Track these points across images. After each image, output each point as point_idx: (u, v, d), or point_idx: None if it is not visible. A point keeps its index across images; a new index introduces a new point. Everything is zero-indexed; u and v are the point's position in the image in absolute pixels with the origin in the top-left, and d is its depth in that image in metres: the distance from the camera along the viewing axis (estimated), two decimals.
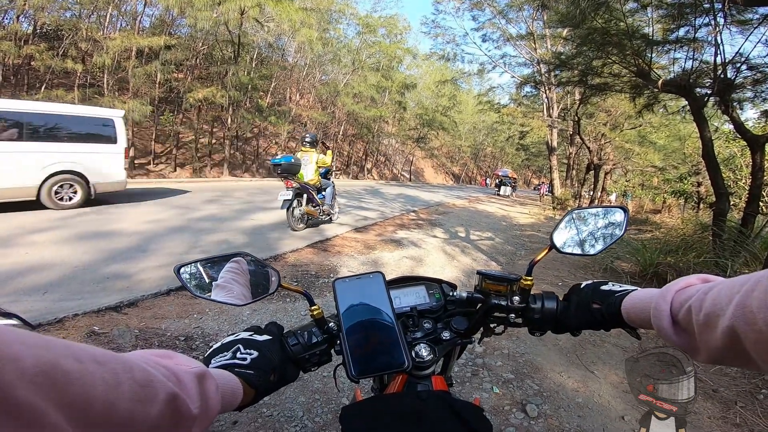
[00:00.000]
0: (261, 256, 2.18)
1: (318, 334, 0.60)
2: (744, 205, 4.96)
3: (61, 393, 0.22)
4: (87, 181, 6.13)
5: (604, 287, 0.58)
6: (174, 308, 2.82)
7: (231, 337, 0.54)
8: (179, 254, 4.01)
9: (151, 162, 16.14)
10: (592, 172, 14.56)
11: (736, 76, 4.59)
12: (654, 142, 13.92)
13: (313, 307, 0.60)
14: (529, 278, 0.62)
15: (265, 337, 0.55)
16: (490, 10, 14.07)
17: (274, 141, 21.46)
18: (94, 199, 6.29)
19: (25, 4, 12.03)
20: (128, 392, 0.26)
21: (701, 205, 12.31)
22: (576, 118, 12.35)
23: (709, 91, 4.76)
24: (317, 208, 5.91)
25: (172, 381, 0.32)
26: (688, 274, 0.45)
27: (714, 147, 4.95)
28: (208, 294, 0.60)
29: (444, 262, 4.90)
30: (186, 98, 14.86)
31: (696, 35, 4.70)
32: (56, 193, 5.83)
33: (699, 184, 12.63)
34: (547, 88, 13.18)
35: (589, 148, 13.60)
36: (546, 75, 12.45)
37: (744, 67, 4.63)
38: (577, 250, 0.65)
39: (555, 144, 14.59)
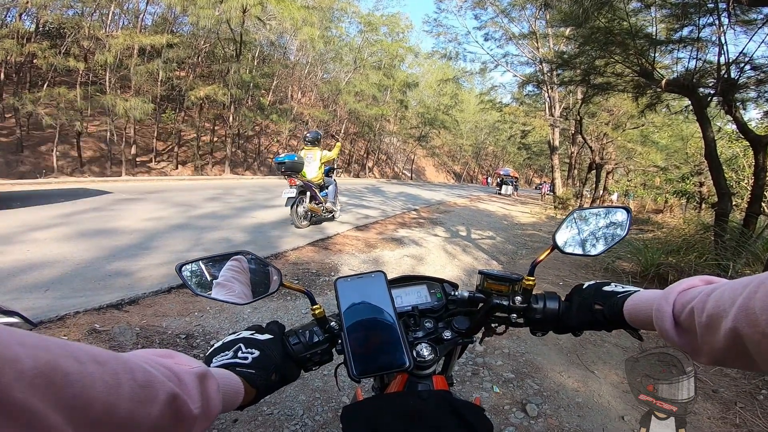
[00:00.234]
0: (262, 254, 2.17)
1: (319, 333, 0.60)
2: (746, 206, 4.94)
3: (61, 394, 0.22)
4: None
5: (606, 288, 0.58)
6: (175, 306, 2.82)
7: (232, 336, 0.54)
8: (181, 252, 4.02)
9: (153, 160, 16.17)
10: (594, 171, 14.53)
11: (740, 76, 4.57)
12: (656, 142, 13.88)
13: (314, 306, 0.60)
14: (532, 278, 0.62)
15: (267, 336, 0.55)
16: (492, 8, 14.02)
17: (275, 139, 21.48)
18: None
19: (27, 2, 12.04)
20: (129, 393, 0.26)
21: (703, 206, 12.28)
22: (578, 118, 12.32)
23: (712, 91, 4.74)
24: (320, 205, 5.93)
25: (173, 381, 0.32)
26: (689, 275, 0.45)
27: (717, 147, 4.93)
28: (209, 292, 0.60)
29: (445, 261, 4.89)
30: (188, 96, 14.87)
31: (700, 35, 4.68)
32: None
33: (701, 184, 12.60)
34: (549, 87, 13.14)
35: (591, 147, 13.56)
36: (548, 74, 12.42)
37: (748, 67, 4.60)
38: (580, 251, 0.65)
39: (557, 143, 14.56)
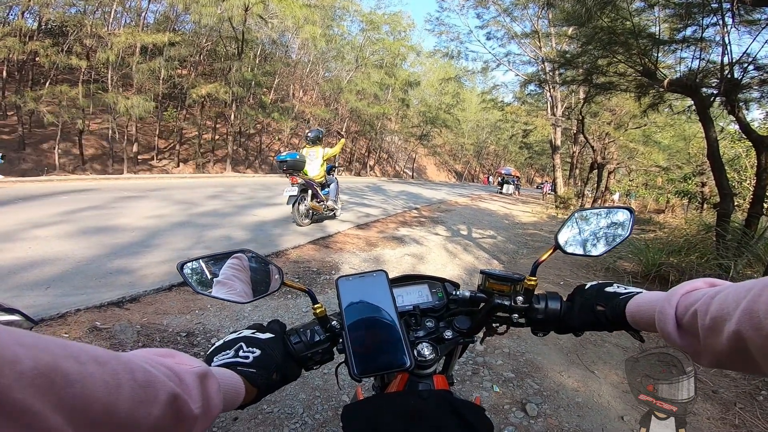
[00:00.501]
0: (263, 252, 2.17)
1: (320, 332, 0.60)
2: (748, 206, 4.93)
3: (61, 395, 0.22)
4: None
5: (608, 289, 0.57)
6: (176, 304, 2.83)
7: (233, 335, 0.54)
8: (182, 250, 4.03)
9: (155, 157, 16.20)
10: (596, 171, 14.50)
11: (743, 76, 4.55)
12: (658, 142, 13.83)
13: (315, 305, 0.60)
14: (533, 278, 0.61)
15: (268, 335, 0.55)
16: (494, 7, 13.98)
17: (276, 137, 21.49)
18: None
19: (30, 1, 12.05)
20: (129, 393, 0.26)
21: (705, 206, 12.27)
22: (580, 117, 12.29)
23: (715, 91, 4.72)
24: (322, 203, 5.94)
25: (174, 381, 0.31)
26: (690, 275, 0.45)
27: (719, 147, 4.91)
28: (210, 291, 0.60)
29: (446, 260, 4.89)
30: (189, 94, 14.88)
31: (703, 35, 4.66)
32: None
33: (703, 185, 12.58)
34: (551, 86, 13.11)
35: (592, 147, 13.53)
36: (550, 73, 12.38)
37: (751, 67, 4.59)
38: (582, 251, 0.64)
39: (558, 143, 14.52)
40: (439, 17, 17.69)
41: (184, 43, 15.17)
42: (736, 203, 5.80)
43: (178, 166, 16.26)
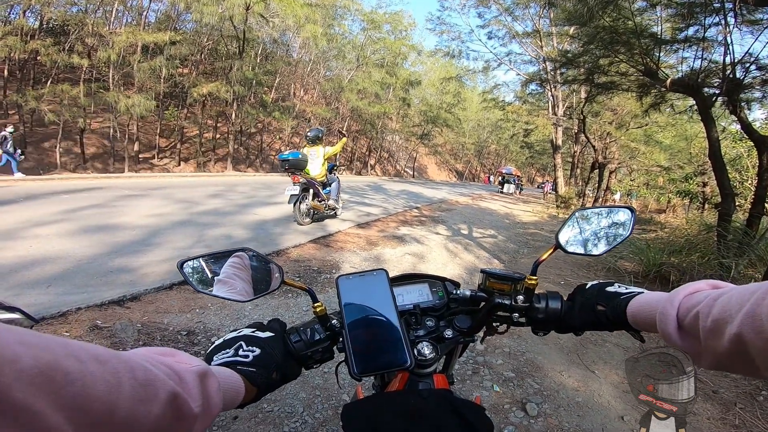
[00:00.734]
0: (264, 251, 2.17)
1: (321, 331, 0.60)
2: (749, 206, 4.92)
3: (61, 394, 0.22)
4: None
5: (609, 289, 0.57)
6: (176, 303, 2.83)
7: (233, 334, 0.54)
8: (182, 248, 4.03)
9: (156, 156, 16.21)
10: (597, 170, 14.48)
11: (745, 76, 4.54)
12: (660, 142, 13.81)
13: (316, 304, 0.60)
14: (534, 278, 0.61)
15: (268, 334, 0.55)
16: (496, 7, 13.98)
17: (277, 136, 21.50)
18: None
19: (31, 0, 12.07)
20: (129, 392, 0.26)
21: (706, 206, 12.25)
22: (581, 117, 12.27)
23: (717, 91, 4.71)
24: (323, 202, 5.95)
25: (174, 380, 0.31)
26: (691, 275, 0.45)
27: (721, 147, 4.90)
28: (210, 289, 0.60)
29: (446, 259, 4.89)
30: (190, 93, 14.90)
31: (705, 35, 4.65)
32: None
33: (704, 185, 12.55)
34: (552, 86, 13.09)
35: (594, 146, 13.51)
36: (552, 73, 12.37)
37: (753, 67, 4.58)
38: (583, 251, 0.64)
39: (560, 142, 14.51)
40: (440, 16, 17.80)
41: (186, 42, 15.16)
42: (737, 203, 5.79)
43: (179, 164, 16.27)
